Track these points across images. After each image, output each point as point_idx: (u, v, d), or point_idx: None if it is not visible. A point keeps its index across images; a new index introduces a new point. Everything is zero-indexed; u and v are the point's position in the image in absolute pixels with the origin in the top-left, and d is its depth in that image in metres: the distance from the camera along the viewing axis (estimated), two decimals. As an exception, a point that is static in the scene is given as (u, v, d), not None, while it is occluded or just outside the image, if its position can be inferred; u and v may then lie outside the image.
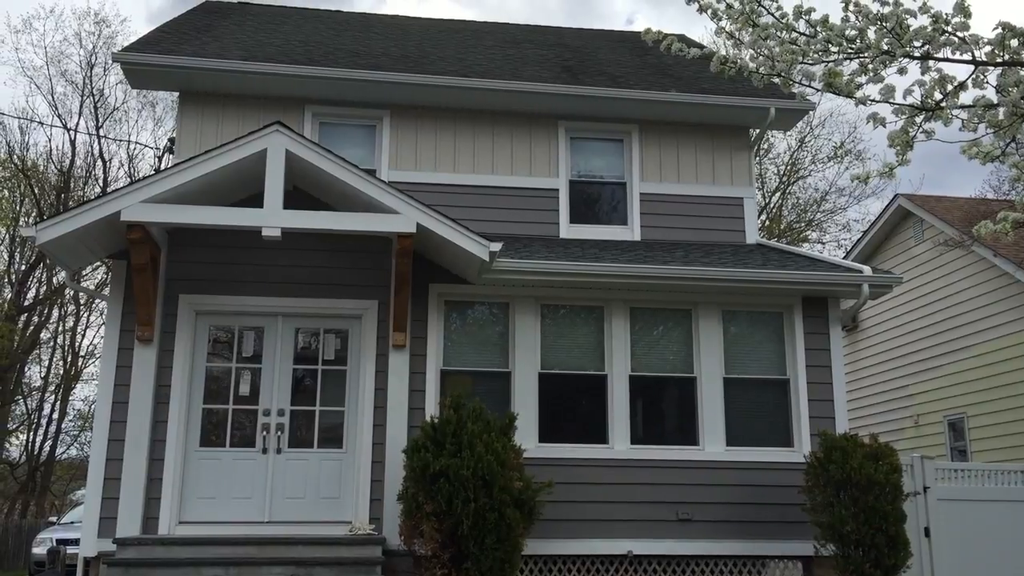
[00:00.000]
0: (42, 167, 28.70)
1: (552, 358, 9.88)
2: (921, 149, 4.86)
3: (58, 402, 29.53)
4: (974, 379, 16.01)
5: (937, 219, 17.14)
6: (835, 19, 4.77)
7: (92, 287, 24.76)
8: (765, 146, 28.18)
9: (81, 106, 28.63)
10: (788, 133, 27.43)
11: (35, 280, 28.10)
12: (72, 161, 28.61)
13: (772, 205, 29.93)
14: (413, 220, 8.74)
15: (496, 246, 8.87)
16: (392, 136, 11.06)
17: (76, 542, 10.62)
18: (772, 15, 4.85)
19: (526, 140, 11.31)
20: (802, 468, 9.03)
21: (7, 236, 27.19)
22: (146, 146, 35.86)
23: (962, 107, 4.63)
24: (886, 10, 4.61)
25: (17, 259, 27.67)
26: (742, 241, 11.30)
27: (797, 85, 4.99)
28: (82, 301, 28.63)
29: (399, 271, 9.08)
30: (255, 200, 8.82)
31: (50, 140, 42.71)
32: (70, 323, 29.71)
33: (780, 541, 9.47)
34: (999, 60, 4.52)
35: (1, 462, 29.39)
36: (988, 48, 4.53)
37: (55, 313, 29.31)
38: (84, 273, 24.63)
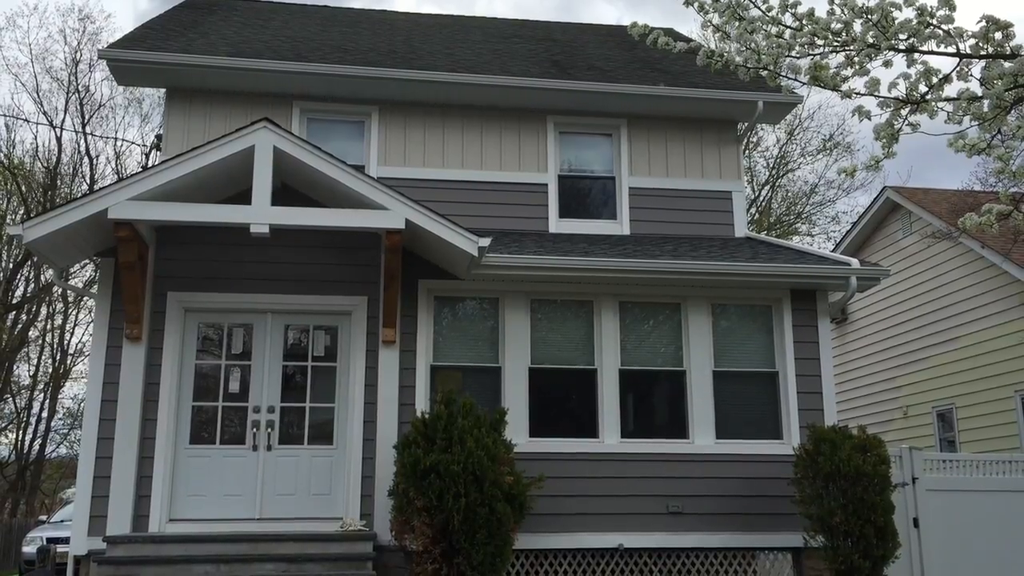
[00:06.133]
0: (28, 165, 28.55)
1: (542, 353, 9.89)
2: (907, 143, 4.87)
3: (47, 400, 29.43)
4: (962, 370, 16.12)
5: (925, 211, 17.24)
6: (821, 12, 4.80)
7: (80, 285, 24.62)
8: (754, 139, 28.27)
9: (67, 103, 28.42)
10: (777, 126, 27.50)
11: (22, 278, 27.97)
12: (59, 158, 28.44)
13: (761, 198, 30.00)
14: (402, 216, 8.73)
15: (485, 241, 8.87)
16: (381, 132, 11.03)
17: (66, 540, 10.57)
18: (759, 8, 4.87)
19: (515, 135, 11.31)
20: (791, 460, 9.08)
21: (-6, 234, 27.04)
22: (133, 143, 35.65)
23: (947, 100, 4.66)
24: (871, 3, 4.64)
25: (4, 257, 27.53)
26: (731, 235, 11.33)
27: (783, 79, 5.01)
28: (70, 299, 28.51)
29: (388, 267, 9.07)
30: (243, 197, 8.80)
31: (36, 137, 42.46)
32: (58, 321, 29.62)
33: (770, 533, 9.51)
34: (983, 53, 4.55)
35: (-10, 461, 29.31)
36: (972, 41, 4.56)
37: (43, 311, 29.19)
38: (72, 271, 24.55)
